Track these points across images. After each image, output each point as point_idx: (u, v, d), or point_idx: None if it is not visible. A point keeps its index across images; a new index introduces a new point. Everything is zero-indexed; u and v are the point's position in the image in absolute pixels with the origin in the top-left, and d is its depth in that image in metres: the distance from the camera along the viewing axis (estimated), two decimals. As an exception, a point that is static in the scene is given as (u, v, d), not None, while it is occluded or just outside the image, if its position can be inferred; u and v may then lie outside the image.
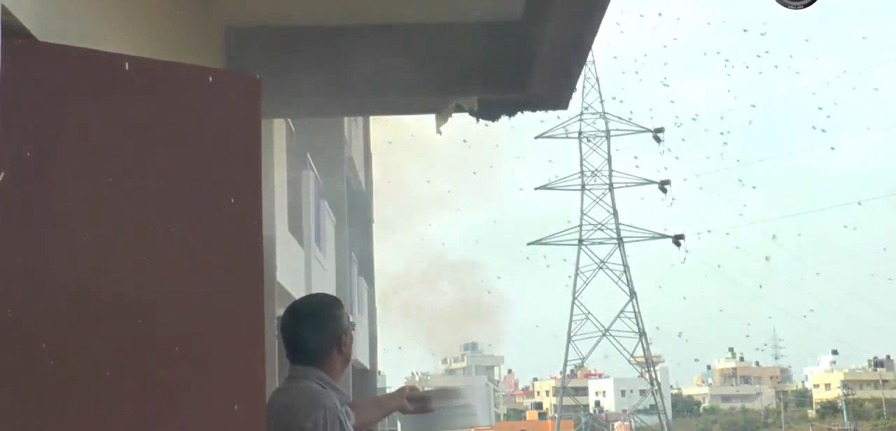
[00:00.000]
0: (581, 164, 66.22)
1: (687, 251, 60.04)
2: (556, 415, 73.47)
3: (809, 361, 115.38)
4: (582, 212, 66.25)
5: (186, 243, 2.68)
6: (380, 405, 3.57)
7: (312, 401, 3.05)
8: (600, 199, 65.92)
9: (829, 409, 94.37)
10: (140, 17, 3.68)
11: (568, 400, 74.13)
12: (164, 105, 2.70)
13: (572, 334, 66.88)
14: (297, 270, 10.50)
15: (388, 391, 5.82)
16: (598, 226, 66.05)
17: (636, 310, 64.83)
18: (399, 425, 3.63)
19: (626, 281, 65.18)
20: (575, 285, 66.90)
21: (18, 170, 2.41)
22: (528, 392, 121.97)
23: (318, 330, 3.20)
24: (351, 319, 3.36)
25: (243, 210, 2.77)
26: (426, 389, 3.67)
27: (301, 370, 3.18)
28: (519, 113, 5.92)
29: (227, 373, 2.69)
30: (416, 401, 3.55)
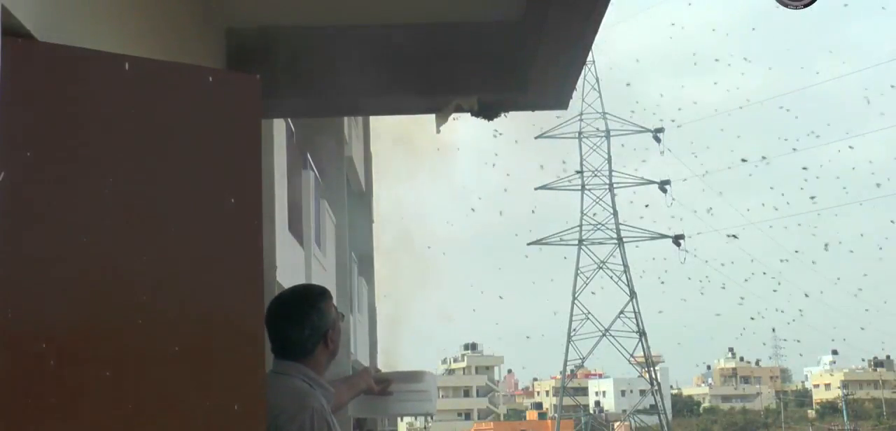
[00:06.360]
0: (581, 164, 66.27)
1: (686, 251, 60.14)
2: (556, 415, 73.53)
3: (809, 361, 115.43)
4: (582, 211, 66.31)
5: (186, 243, 2.68)
6: (350, 386, 3.57)
7: (298, 402, 2.98)
8: (600, 200, 65.98)
9: (829, 409, 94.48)
10: (140, 17, 3.68)
11: (568, 400, 74.15)
12: (164, 105, 2.70)
13: (572, 334, 66.91)
14: (297, 270, 10.51)
15: None
16: (599, 226, 66.10)
17: (636, 310, 64.86)
18: (350, 404, 3.61)
19: (626, 281, 65.22)
20: (575, 285, 66.96)
21: (18, 170, 2.41)
22: (528, 392, 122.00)
23: (303, 324, 3.12)
24: (340, 311, 3.27)
25: (243, 210, 2.77)
26: (389, 371, 3.72)
27: (286, 365, 3.10)
28: (518, 113, 5.92)
29: (227, 373, 2.68)
30: (379, 382, 3.59)
